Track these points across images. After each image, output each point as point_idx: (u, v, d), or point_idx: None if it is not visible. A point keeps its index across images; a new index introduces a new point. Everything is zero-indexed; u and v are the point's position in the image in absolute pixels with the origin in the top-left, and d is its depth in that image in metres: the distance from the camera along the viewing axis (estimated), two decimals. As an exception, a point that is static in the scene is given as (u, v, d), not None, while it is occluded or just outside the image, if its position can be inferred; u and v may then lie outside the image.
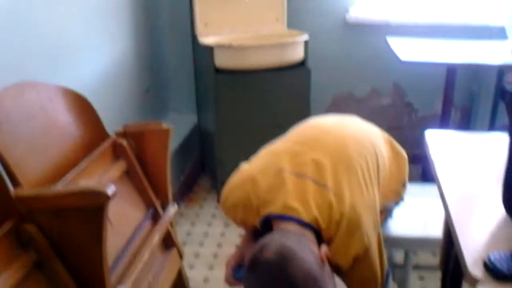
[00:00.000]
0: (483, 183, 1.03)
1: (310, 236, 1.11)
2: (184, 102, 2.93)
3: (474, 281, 0.74)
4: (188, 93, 2.91)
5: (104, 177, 1.50)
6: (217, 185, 2.59)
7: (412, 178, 1.58)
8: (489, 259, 0.75)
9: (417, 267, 1.93)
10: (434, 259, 2.06)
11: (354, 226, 1.11)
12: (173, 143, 2.57)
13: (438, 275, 1.41)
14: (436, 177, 1.06)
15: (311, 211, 1.11)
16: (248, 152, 1.62)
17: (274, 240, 1.04)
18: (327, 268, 1.07)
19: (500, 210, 0.91)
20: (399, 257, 1.71)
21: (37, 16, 1.59)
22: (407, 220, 1.49)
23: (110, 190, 1.13)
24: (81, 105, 1.59)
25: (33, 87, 1.42)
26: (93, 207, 1.14)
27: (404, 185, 1.44)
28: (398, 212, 1.52)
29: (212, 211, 2.53)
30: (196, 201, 2.63)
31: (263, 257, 1.01)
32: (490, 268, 0.73)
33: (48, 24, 1.65)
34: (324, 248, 1.07)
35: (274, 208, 1.14)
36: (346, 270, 1.13)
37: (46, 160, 1.38)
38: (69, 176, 1.36)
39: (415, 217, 1.50)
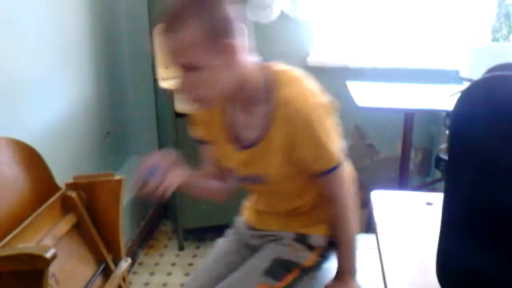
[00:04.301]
0: (424, 251, 1.00)
1: None
2: (147, 146, 2.88)
3: None
4: (151, 137, 2.87)
5: (52, 233, 1.44)
6: (178, 231, 2.53)
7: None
8: None
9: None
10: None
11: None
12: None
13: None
14: (378, 244, 1.05)
15: None
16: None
17: None
18: None
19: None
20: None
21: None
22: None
23: (49, 253, 1.08)
24: (29, 157, 1.53)
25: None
26: (31, 272, 1.08)
27: None
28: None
29: (172, 259, 2.45)
30: (157, 248, 2.55)
31: None
32: None
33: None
34: None
35: None
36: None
37: (-11, 216, 1.32)
38: (13, 234, 1.29)
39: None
